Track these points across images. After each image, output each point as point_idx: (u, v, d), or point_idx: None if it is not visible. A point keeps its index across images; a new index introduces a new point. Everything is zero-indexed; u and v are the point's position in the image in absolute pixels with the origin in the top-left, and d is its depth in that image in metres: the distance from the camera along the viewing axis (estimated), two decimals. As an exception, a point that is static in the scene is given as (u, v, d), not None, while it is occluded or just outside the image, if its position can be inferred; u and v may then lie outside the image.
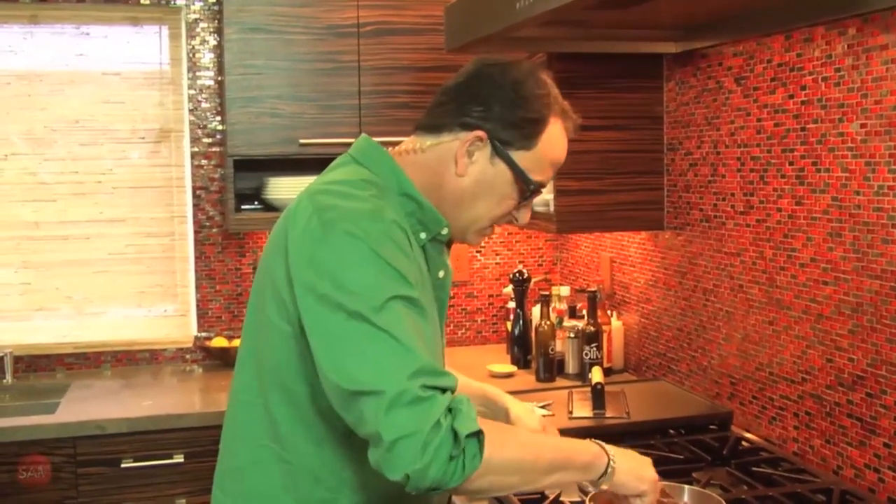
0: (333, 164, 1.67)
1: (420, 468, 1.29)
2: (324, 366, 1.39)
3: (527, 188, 1.61)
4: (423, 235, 1.60)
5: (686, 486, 1.86)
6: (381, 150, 1.64)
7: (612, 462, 1.54)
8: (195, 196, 3.68)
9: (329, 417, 1.48)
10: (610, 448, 1.57)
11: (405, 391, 1.31)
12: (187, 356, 3.70)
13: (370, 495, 1.54)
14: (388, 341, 1.35)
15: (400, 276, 1.42)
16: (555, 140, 1.62)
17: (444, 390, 1.36)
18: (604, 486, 1.56)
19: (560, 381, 3.25)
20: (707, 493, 1.84)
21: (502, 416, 1.95)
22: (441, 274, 1.66)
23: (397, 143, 1.68)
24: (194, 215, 3.68)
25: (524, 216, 1.68)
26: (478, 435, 1.34)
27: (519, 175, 1.59)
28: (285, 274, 1.47)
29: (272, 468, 1.55)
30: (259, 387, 1.56)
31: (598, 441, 1.59)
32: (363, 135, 1.68)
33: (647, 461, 1.64)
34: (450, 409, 1.34)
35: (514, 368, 3.41)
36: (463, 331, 3.93)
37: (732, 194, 2.62)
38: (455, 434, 1.32)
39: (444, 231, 1.62)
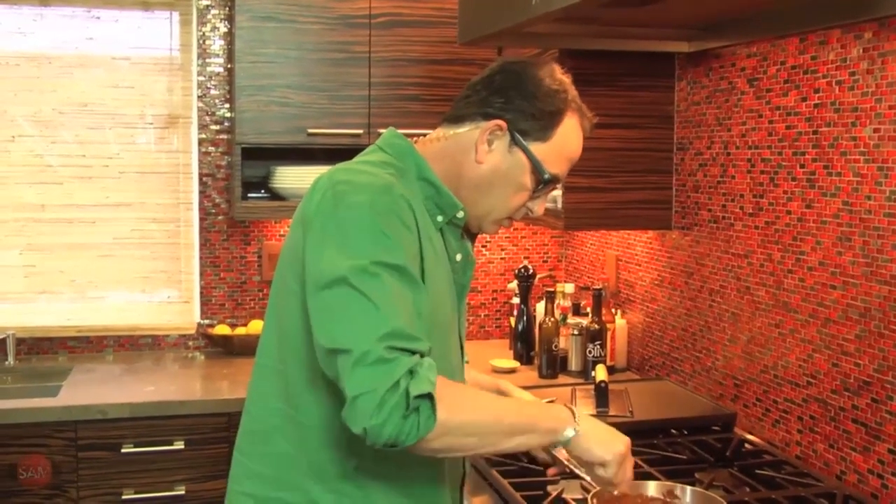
0: (361, 153, 1.75)
1: (376, 424, 1.38)
2: (313, 328, 1.49)
3: (541, 178, 1.68)
4: (439, 218, 1.68)
5: (689, 487, 1.86)
6: (404, 139, 1.72)
7: (576, 427, 1.60)
8: (202, 183, 3.67)
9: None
10: (582, 414, 1.63)
11: (370, 351, 1.39)
12: (190, 343, 3.70)
13: (378, 456, 1.56)
14: (364, 304, 1.43)
15: (392, 244, 1.50)
16: (570, 135, 1.70)
17: (413, 353, 1.43)
18: (565, 451, 1.63)
19: (563, 379, 3.24)
20: (710, 495, 1.83)
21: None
22: (458, 257, 1.73)
23: (416, 135, 1.76)
24: (200, 202, 3.68)
25: (539, 207, 1.75)
26: (429, 397, 1.41)
27: (535, 165, 1.67)
28: (303, 242, 1.56)
29: (287, 430, 1.63)
30: (278, 352, 1.65)
31: (571, 407, 1.64)
32: (390, 127, 1.77)
33: (622, 439, 1.68)
34: (412, 371, 1.41)
35: (516, 364, 3.41)
36: (466, 325, 3.91)
37: (742, 195, 2.62)
38: (408, 394, 1.39)
39: (461, 214, 1.69)
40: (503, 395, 1.99)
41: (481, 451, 1.63)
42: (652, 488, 1.87)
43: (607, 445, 1.64)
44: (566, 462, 1.74)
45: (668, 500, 1.84)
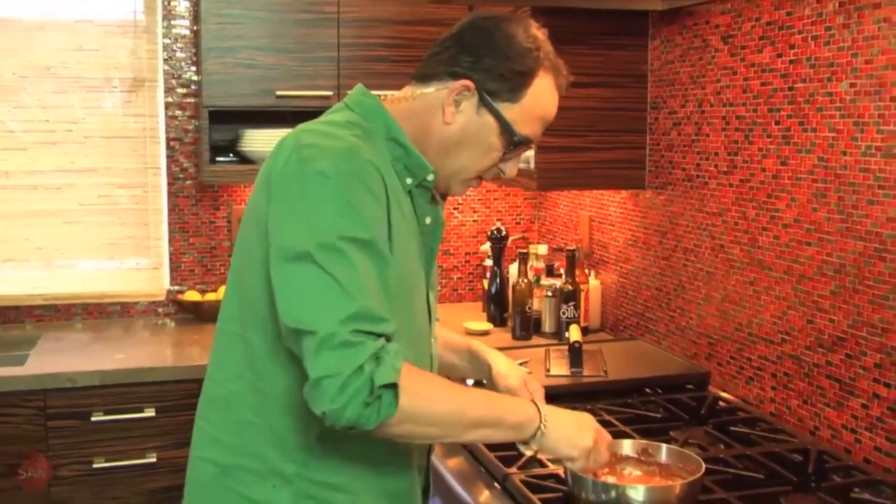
0: (328, 110, 1.70)
1: (337, 408, 1.37)
2: (277, 302, 1.47)
3: (511, 140, 1.63)
4: (409, 181, 1.63)
5: (664, 445, 1.86)
6: (372, 97, 1.66)
7: (542, 426, 1.60)
8: (169, 147, 3.61)
9: None
10: (548, 411, 1.63)
11: (335, 334, 1.38)
12: (159, 310, 3.65)
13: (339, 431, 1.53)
14: (329, 284, 1.41)
15: (359, 216, 1.47)
16: (542, 95, 1.64)
17: (379, 336, 1.42)
18: (532, 448, 1.63)
19: (536, 340, 3.23)
20: (685, 452, 1.83)
21: (485, 371, 1.95)
22: (428, 220, 1.68)
23: (384, 95, 1.69)
24: (168, 167, 3.61)
25: (511, 169, 1.71)
26: (393, 387, 1.40)
27: (504, 126, 1.62)
28: (266, 205, 1.52)
29: (249, 398, 1.59)
30: (240, 318, 1.61)
31: (538, 403, 1.64)
32: (359, 84, 1.71)
33: (589, 429, 1.68)
34: (377, 357, 1.39)
35: (490, 326, 3.40)
36: (439, 288, 3.89)
37: (716, 154, 2.60)
38: (372, 382, 1.38)
39: (430, 177, 1.64)
40: (474, 355, 1.98)
41: (443, 441, 1.65)
42: (626, 447, 1.86)
43: (573, 441, 1.65)
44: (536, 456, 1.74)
45: (643, 458, 1.84)
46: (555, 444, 1.63)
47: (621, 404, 2.41)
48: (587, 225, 3.45)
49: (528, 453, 1.66)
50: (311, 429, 1.56)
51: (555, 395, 2.38)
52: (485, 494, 1.96)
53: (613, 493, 1.67)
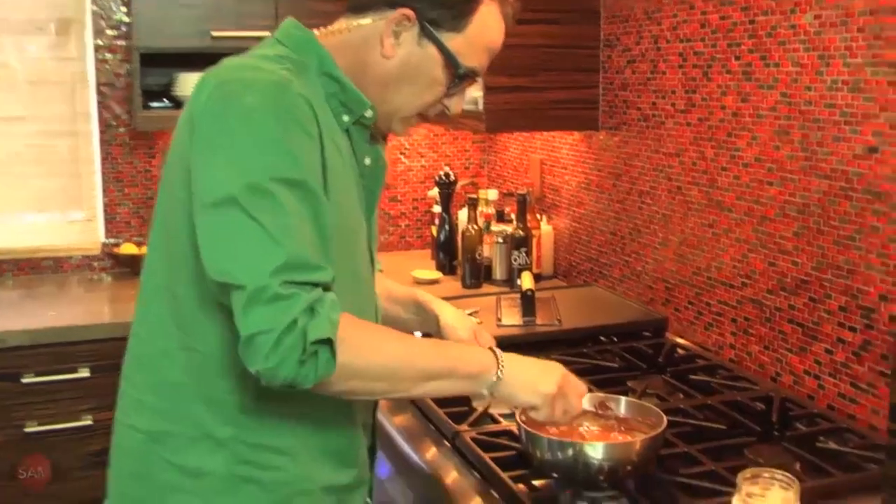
0: (257, 45, 1.57)
1: (271, 367, 1.29)
2: (202, 253, 1.36)
3: (456, 73, 1.52)
4: (345, 118, 1.51)
5: (623, 398, 1.77)
6: (305, 30, 1.54)
7: (500, 372, 1.50)
8: (100, 93, 3.43)
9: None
10: (506, 358, 1.53)
11: (265, 287, 1.28)
12: (95, 264, 3.49)
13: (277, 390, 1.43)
14: (256, 232, 1.31)
15: (289, 155, 1.35)
16: (488, 23, 1.53)
17: (314, 285, 1.32)
18: (487, 398, 1.54)
19: (487, 288, 3.14)
20: (644, 405, 1.74)
21: (432, 323, 1.86)
22: (368, 161, 1.57)
23: (317, 27, 1.57)
24: (99, 113, 3.44)
25: (456, 105, 1.59)
26: (328, 342, 1.31)
27: (448, 58, 1.51)
28: (190, 146, 1.40)
29: (179, 357, 1.48)
30: (167, 268, 1.48)
31: (496, 350, 1.54)
32: (289, 17, 1.58)
33: (552, 374, 1.58)
34: (311, 309, 1.30)
35: (439, 275, 3.29)
36: (386, 236, 3.79)
37: (673, 92, 2.50)
38: (306, 337, 1.29)
39: (369, 114, 1.52)
40: (420, 306, 1.88)
41: (393, 396, 1.53)
42: (583, 401, 1.76)
43: (534, 388, 1.55)
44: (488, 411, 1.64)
45: (601, 411, 1.75)
46: (513, 391, 1.53)
47: (576, 354, 2.32)
48: (538, 168, 3.34)
49: (480, 408, 1.56)
50: (246, 389, 1.45)
51: (507, 346, 2.24)
52: (432, 452, 1.87)
53: (570, 451, 1.57)
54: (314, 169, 1.39)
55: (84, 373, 2.83)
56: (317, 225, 1.37)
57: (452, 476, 1.76)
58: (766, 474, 1.34)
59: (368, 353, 1.39)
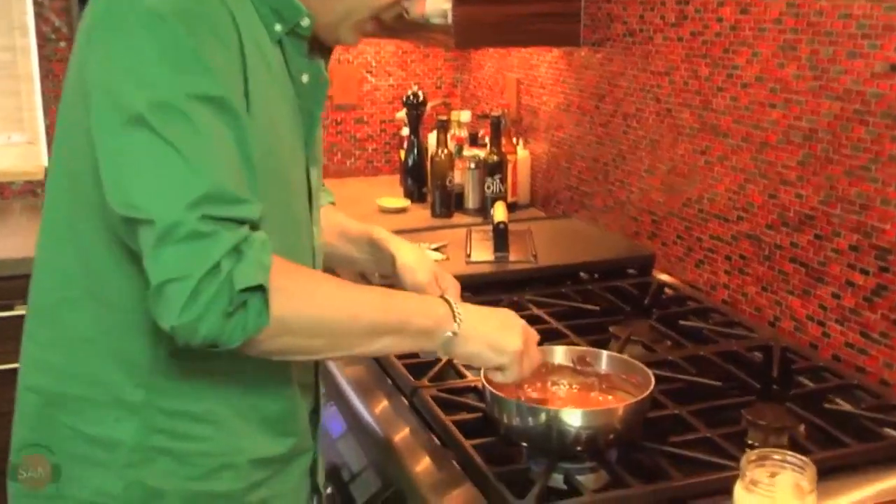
0: None
1: (189, 322, 1.07)
2: (104, 182, 1.14)
3: None
4: (277, 27, 1.26)
5: (604, 352, 1.54)
6: None
7: (457, 327, 1.29)
8: (36, 4, 3.17)
9: None
10: (464, 309, 1.31)
11: (179, 223, 1.06)
12: (38, 190, 3.25)
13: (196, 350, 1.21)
14: (170, 157, 1.08)
15: (207, 70, 1.12)
16: None
17: (239, 223, 1.10)
18: (445, 356, 1.35)
19: (459, 218, 2.90)
20: (629, 361, 1.51)
21: (388, 264, 1.63)
22: (305, 79, 1.32)
23: None
24: (37, 26, 3.18)
25: (416, 6, 1.33)
26: (260, 289, 1.09)
27: None
28: (86, 59, 1.17)
29: (85, 307, 1.26)
30: (70, 203, 1.25)
31: (450, 300, 1.32)
32: None
33: (515, 326, 1.36)
34: (237, 250, 1.09)
35: (407, 203, 3.04)
36: (352, 160, 3.54)
37: (663, 3, 2.24)
38: (232, 285, 1.07)
39: (305, 22, 1.28)
40: (374, 244, 1.64)
41: (334, 355, 1.30)
42: (559, 355, 1.54)
43: (497, 345, 1.33)
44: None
45: (580, 367, 1.53)
46: (475, 349, 1.32)
47: (553, 294, 2.10)
48: (514, 88, 3.09)
49: (445, 357, 1.34)
50: (161, 346, 1.23)
51: (476, 285, 2.09)
52: (387, 410, 1.65)
53: (543, 417, 1.35)
54: (234, 85, 1.15)
55: (20, 310, 2.59)
56: (241, 151, 1.14)
57: (407, 440, 1.54)
58: (777, 456, 1.12)
59: (305, 304, 1.17)
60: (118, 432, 1.25)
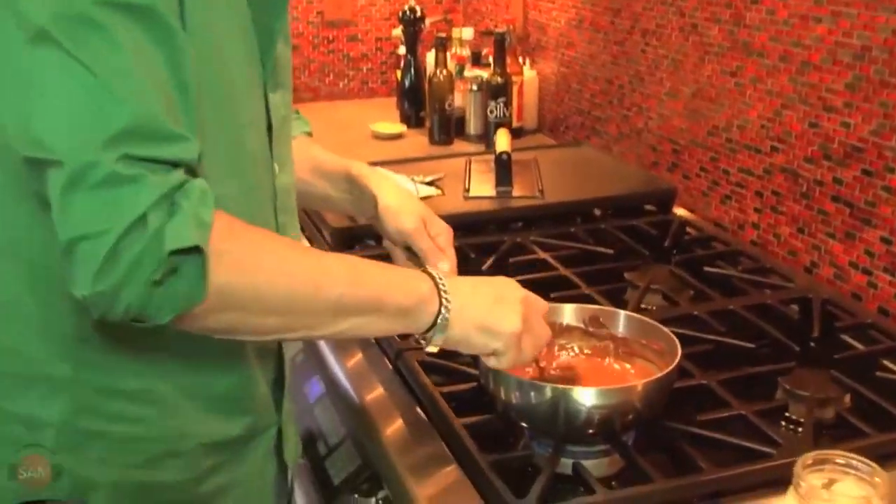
0: None
1: (105, 290, 0.86)
2: (4, 114, 0.92)
3: None
4: None
5: (621, 312, 1.32)
6: None
7: (444, 310, 1.06)
8: None
9: None
10: (451, 284, 1.08)
11: (93, 164, 0.85)
12: None
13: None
14: (82, 80, 0.86)
15: None
16: None
17: (173, 165, 0.89)
18: (433, 346, 1.09)
19: (459, 145, 2.67)
20: (651, 323, 1.28)
21: (369, 205, 1.39)
22: None
23: None
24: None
25: None
26: (198, 252, 0.88)
27: None
28: None
29: (1, 266, 1.05)
30: None
31: (433, 273, 1.09)
32: None
33: (513, 301, 1.12)
34: (170, 201, 0.87)
35: (403, 128, 2.81)
36: (346, 81, 3.29)
37: None
38: (162, 244, 0.86)
39: None
40: (353, 181, 1.40)
41: (291, 336, 1.11)
42: (568, 314, 1.32)
43: (490, 327, 1.10)
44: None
45: (592, 328, 1.31)
46: (464, 334, 1.08)
47: (561, 235, 1.87)
48: (521, 2, 2.86)
49: (432, 349, 1.11)
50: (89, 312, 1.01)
51: (474, 224, 1.88)
52: (364, 370, 1.43)
53: (549, 394, 1.13)
54: None
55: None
56: (174, 74, 0.92)
57: (391, 411, 1.33)
58: (840, 460, 0.90)
59: (256, 272, 0.95)
60: (41, 412, 1.06)
